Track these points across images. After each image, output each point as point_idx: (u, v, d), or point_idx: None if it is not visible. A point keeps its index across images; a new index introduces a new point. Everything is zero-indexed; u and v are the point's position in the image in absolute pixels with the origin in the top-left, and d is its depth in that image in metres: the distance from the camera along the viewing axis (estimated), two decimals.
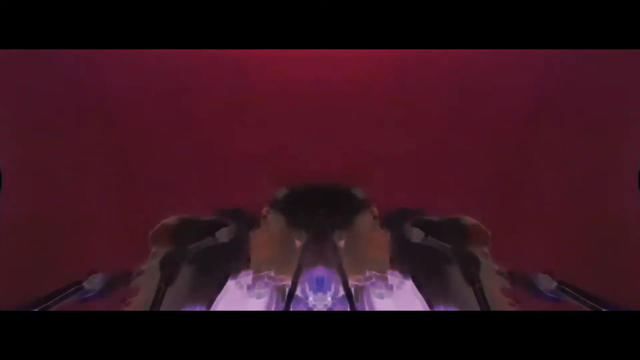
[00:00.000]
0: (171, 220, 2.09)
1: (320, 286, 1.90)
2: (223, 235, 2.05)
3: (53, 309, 1.78)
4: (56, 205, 2.22)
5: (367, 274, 2.00)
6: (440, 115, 2.30)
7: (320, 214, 2.07)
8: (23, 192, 2.22)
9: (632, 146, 2.24)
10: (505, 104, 2.26)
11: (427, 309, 1.88)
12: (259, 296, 1.93)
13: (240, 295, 1.95)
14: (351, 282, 1.82)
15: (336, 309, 1.86)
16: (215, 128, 2.29)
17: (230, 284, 1.97)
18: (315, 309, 1.88)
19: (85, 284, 1.89)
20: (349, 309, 1.74)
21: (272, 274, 1.99)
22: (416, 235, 2.05)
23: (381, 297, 1.94)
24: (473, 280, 1.82)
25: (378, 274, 2.00)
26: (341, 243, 2.05)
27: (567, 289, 1.83)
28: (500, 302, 1.92)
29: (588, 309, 1.75)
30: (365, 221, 2.13)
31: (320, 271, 1.91)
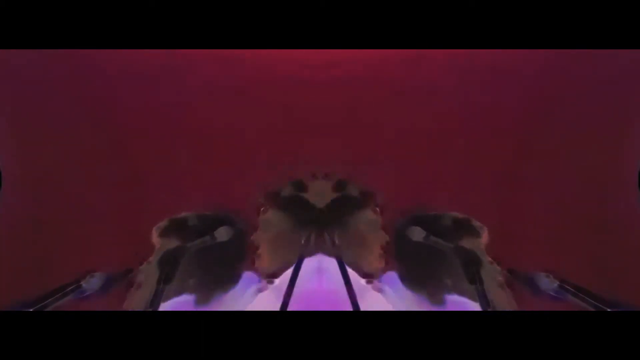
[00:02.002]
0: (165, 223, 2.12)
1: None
2: (222, 234, 2.06)
3: (51, 308, 1.78)
4: (56, 206, 2.22)
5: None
6: (439, 115, 2.29)
7: (319, 210, 2.09)
8: (23, 192, 2.21)
9: (632, 146, 2.24)
10: (506, 104, 2.25)
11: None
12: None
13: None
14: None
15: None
16: (216, 128, 2.28)
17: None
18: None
19: (84, 284, 1.90)
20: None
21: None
22: (417, 234, 2.04)
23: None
24: (474, 279, 1.82)
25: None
26: (337, 240, 2.06)
27: (569, 288, 1.83)
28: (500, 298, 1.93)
29: (590, 309, 1.75)
30: (363, 220, 2.13)
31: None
